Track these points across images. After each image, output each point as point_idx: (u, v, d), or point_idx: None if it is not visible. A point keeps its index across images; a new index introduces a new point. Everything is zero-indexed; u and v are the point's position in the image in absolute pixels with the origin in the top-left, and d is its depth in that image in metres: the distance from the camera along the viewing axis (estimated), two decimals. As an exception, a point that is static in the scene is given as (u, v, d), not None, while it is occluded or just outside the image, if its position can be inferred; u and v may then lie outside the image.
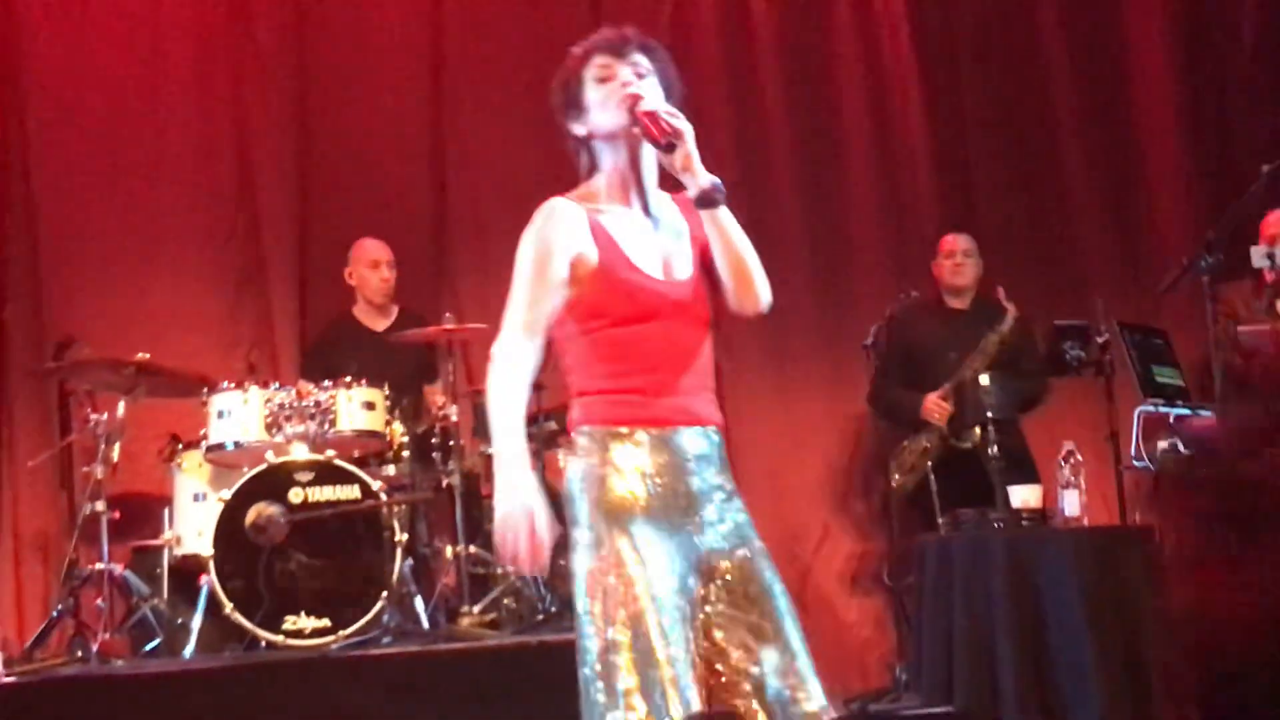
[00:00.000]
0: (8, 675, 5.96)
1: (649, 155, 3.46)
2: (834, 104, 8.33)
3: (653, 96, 3.40)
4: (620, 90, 3.41)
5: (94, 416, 6.51)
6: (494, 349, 3.28)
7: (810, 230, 8.18)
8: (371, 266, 7.18)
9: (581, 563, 3.25)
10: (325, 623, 6.11)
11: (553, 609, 6.48)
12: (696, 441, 3.39)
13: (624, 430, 3.34)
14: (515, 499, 3.18)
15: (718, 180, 3.40)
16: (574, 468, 3.34)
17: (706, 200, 3.40)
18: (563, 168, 3.50)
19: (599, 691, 3.13)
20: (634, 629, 3.14)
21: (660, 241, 3.47)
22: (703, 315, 3.46)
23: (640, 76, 3.44)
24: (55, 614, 6.48)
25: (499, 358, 3.29)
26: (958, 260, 7.23)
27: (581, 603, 3.21)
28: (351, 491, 6.29)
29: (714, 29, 8.27)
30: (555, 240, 3.35)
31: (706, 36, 8.25)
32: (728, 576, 3.32)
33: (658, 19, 8.01)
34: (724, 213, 3.41)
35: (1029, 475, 6.53)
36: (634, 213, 3.47)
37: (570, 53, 3.46)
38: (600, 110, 3.43)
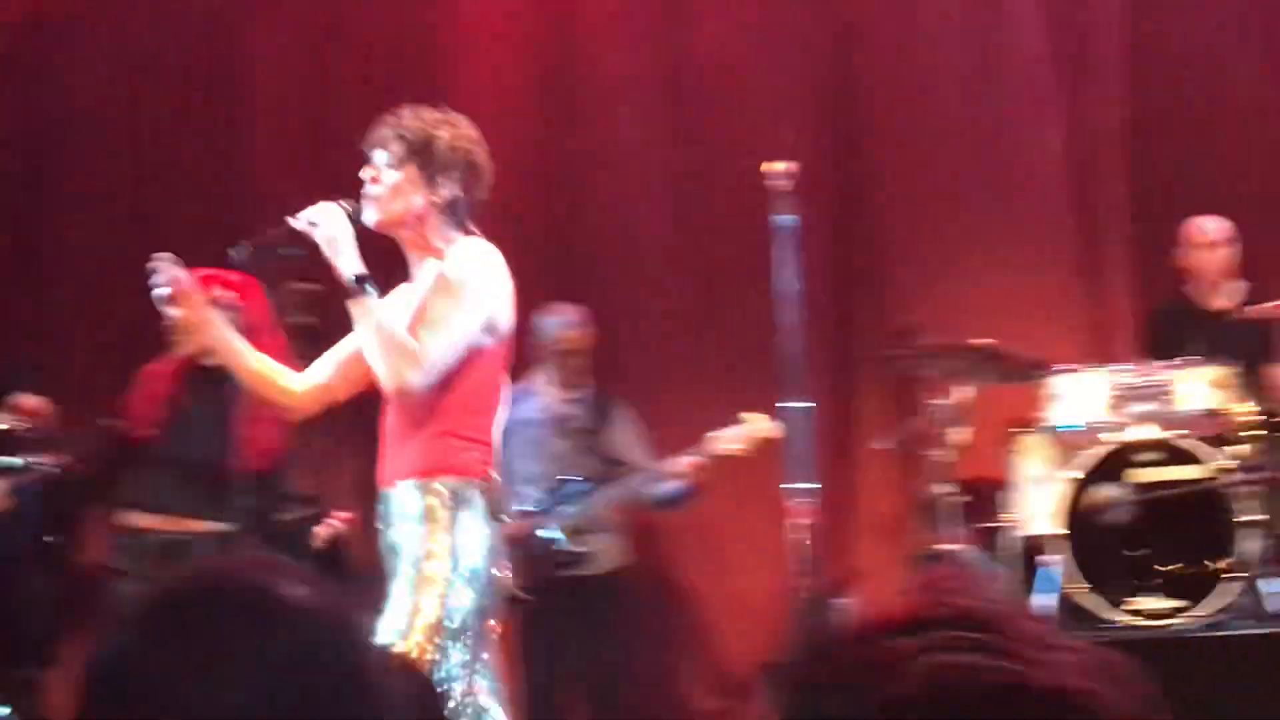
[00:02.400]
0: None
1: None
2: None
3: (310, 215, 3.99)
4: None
5: (935, 401, 6.74)
6: None
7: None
8: (1202, 248, 7.04)
9: None
10: (1175, 603, 6.03)
11: None
12: (385, 502, 4.06)
13: None
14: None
15: (353, 274, 3.88)
16: None
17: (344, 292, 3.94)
18: None
19: None
20: None
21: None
22: None
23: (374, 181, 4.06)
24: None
25: None
26: None
27: None
28: (1196, 471, 6.17)
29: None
30: None
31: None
32: None
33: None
34: (360, 304, 3.87)
35: None
36: None
37: None
38: None
